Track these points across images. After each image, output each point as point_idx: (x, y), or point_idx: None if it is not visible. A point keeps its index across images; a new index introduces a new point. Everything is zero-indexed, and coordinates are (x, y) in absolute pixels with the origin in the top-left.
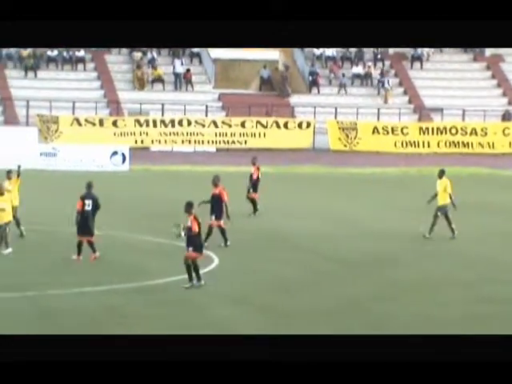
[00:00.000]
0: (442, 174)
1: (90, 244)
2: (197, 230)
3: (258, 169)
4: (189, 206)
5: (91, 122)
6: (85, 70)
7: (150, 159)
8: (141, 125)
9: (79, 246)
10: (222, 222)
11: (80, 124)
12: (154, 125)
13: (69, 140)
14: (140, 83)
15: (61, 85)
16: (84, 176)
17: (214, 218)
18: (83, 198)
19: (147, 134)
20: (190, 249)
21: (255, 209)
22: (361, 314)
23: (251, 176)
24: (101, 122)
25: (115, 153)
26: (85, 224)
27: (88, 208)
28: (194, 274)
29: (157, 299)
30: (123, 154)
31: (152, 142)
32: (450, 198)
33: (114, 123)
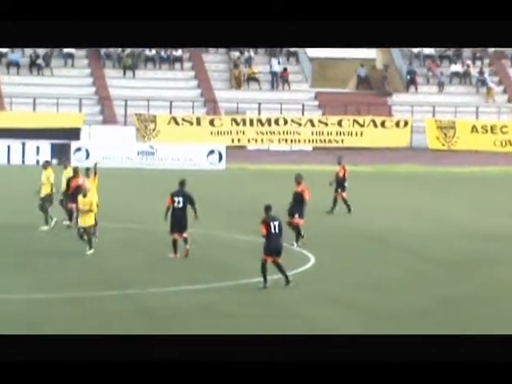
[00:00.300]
0: None
1: (185, 240)
2: (264, 232)
3: (344, 168)
4: (266, 209)
5: (188, 121)
6: (182, 69)
7: (246, 158)
8: (237, 124)
9: (174, 243)
10: (301, 221)
11: (177, 123)
12: (251, 124)
13: (166, 139)
14: (237, 82)
15: (158, 84)
16: (180, 175)
17: (296, 216)
18: (173, 195)
19: (244, 132)
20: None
21: (348, 208)
22: (456, 315)
23: (337, 175)
24: (198, 121)
25: (212, 152)
26: (177, 221)
27: (178, 205)
28: (281, 275)
29: (251, 298)
30: (220, 153)
31: (248, 140)
32: None
33: (211, 122)
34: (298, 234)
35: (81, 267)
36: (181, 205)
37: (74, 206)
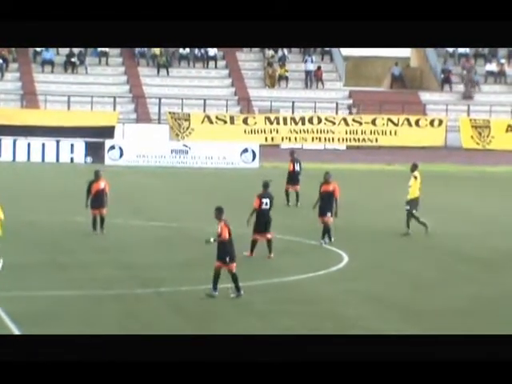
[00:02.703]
0: None
1: (268, 241)
2: (226, 236)
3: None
4: (218, 212)
5: (222, 120)
6: (216, 67)
7: (279, 157)
8: (271, 122)
9: (254, 243)
10: (332, 219)
11: (211, 121)
12: (285, 122)
13: (200, 137)
14: (271, 81)
15: (192, 82)
16: (214, 173)
17: (329, 214)
18: (261, 197)
19: (277, 131)
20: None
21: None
22: (495, 315)
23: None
24: (231, 120)
25: (245, 150)
26: (263, 222)
27: (266, 206)
28: (233, 284)
29: (286, 296)
30: (253, 152)
31: (282, 139)
32: None
33: (245, 121)
34: (328, 232)
35: (115, 265)
36: (268, 206)
37: (96, 212)
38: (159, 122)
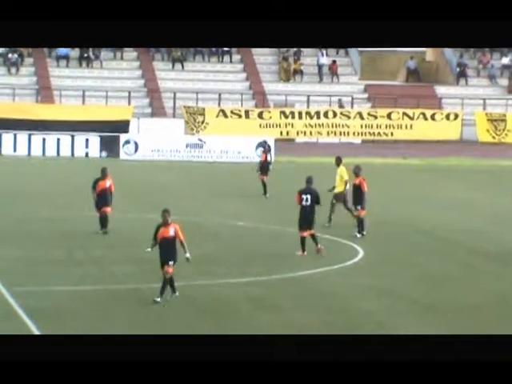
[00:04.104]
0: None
1: (313, 237)
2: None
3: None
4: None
5: (237, 114)
6: (231, 61)
7: (294, 151)
8: (286, 116)
9: (303, 241)
10: (364, 212)
11: (226, 115)
12: (300, 116)
13: (214, 131)
14: (286, 75)
15: (207, 77)
16: (229, 167)
17: (359, 207)
18: (301, 193)
19: (292, 125)
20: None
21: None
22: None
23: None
24: (246, 114)
25: (260, 144)
26: (305, 218)
27: (306, 203)
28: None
29: (300, 291)
30: (268, 146)
31: (297, 133)
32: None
33: (260, 115)
34: (362, 225)
35: (131, 259)
36: (308, 202)
37: (105, 210)
38: (174, 117)
